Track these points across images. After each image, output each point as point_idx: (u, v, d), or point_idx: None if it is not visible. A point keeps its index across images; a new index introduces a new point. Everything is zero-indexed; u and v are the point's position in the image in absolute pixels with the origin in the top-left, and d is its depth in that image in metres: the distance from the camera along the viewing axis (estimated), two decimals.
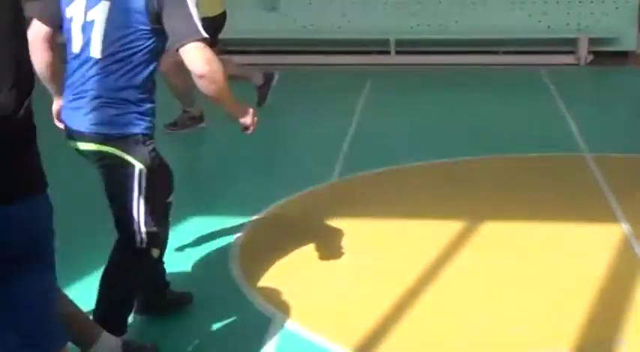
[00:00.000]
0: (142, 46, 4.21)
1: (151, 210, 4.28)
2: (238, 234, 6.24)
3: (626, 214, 6.25)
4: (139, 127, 4.23)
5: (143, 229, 4.26)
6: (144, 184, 4.23)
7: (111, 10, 4.18)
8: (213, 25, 8.45)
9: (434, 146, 8.28)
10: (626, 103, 10.68)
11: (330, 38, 11.97)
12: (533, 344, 4.60)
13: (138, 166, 4.20)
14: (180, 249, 6.03)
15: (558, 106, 9.60)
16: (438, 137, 8.69)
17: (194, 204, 6.71)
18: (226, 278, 5.58)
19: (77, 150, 4.42)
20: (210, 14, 8.47)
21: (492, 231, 6.15)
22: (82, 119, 4.27)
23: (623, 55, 12.09)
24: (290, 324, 4.90)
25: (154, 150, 4.26)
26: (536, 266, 5.56)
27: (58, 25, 4.44)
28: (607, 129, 8.88)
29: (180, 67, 7.35)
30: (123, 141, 4.25)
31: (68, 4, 4.33)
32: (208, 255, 5.94)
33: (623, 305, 5.02)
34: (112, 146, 4.27)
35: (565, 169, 7.56)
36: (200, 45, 4.07)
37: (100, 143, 4.28)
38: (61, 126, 4.59)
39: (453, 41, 11.95)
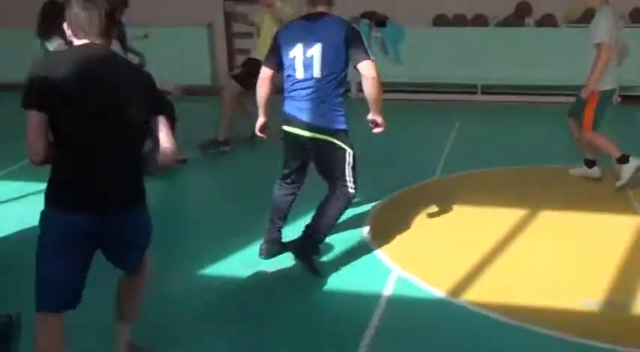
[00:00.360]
0: (342, 67, 5.13)
1: (355, 177, 5.22)
2: (369, 212, 6.46)
3: None
4: (344, 125, 5.22)
5: (353, 186, 5.22)
6: (352, 162, 5.19)
7: (323, 48, 5.05)
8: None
9: (509, 156, 8.35)
10: None
11: (433, 82, 12.01)
12: (582, 294, 4.79)
13: (348, 151, 5.18)
14: None
15: None
16: (511, 149, 8.75)
17: None
18: (361, 240, 5.87)
19: (292, 134, 5.28)
20: None
21: (552, 217, 6.32)
22: (313, 116, 5.15)
23: None
24: (403, 273, 5.18)
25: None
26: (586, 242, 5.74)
27: (278, 68, 5.30)
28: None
29: (239, 98, 8.62)
30: (336, 133, 5.17)
31: (290, 49, 5.17)
32: (348, 226, 6.05)
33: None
34: (329, 135, 5.16)
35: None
36: (371, 62, 5.03)
37: (319, 132, 5.16)
38: (261, 135, 5.54)
39: (525, 86, 11.87)
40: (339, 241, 5.82)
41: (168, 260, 5.37)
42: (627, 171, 6.88)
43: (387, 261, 5.48)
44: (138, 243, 3.78)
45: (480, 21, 12.40)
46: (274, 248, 5.58)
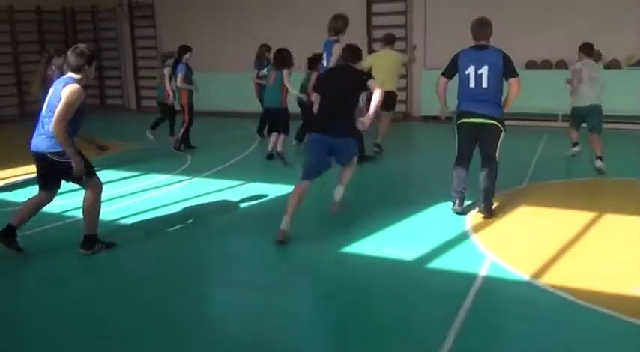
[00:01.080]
0: (500, 81, 5.94)
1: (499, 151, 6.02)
2: (471, 209, 6.31)
3: None
4: (502, 114, 6.00)
5: (498, 157, 6.01)
6: (502, 139, 5.97)
7: (489, 69, 5.87)
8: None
9: (584, 170, 7.99)
10: None
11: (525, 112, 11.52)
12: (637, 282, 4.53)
13: (503, 132, 5.96)
14: (440, 209, 6.30)
15: None
16: (586, 165, 8.20)
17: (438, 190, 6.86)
18: (462, 231, 5.73)
19: (471, 122, 5.99)
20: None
21: (612, 219, 5.99)
22: (485, 109, 5.92)
23: None
24: (496, 259, 5.00)
25: None
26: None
27: (451, 78, 6.12)
28: None
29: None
30: (499, 120, 5.95)
31: (466, 69, 5.97)
32: (453, 219, 6.06)
33: None
34: (496, 121, 5.93)
35: None
36: (518, 80, 5.95)
37: (491, 119, 5.91)
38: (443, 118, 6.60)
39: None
40: (445, 231, 5.73)
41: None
42: None
43: (483, 248, 5.30)
44: (347, 152, 5.64)
45: (561, 65, 11.90)
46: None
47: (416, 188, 7.78)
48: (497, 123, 5.94)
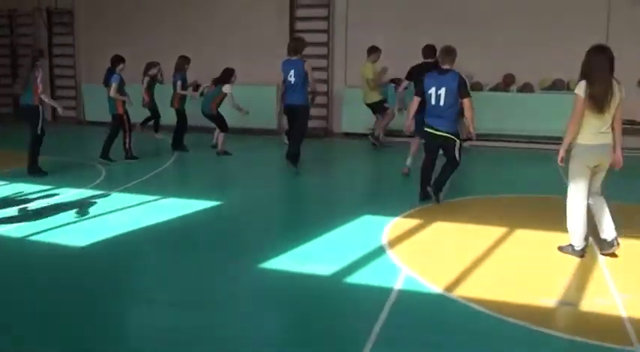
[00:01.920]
0: (456, 100, 7.06)
1: (460, 154, 7.20)
2: (387, 224, 6.42)
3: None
4: (456, 128, 7.22)
5: (459, 158, 7.17)
6: (459, 146, 7.18)
7: (447, 90, 7.05)
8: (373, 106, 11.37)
9: (499, 187, 8.16)
10: None
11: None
12: (544, 293, 4.69)
13: (458, 142, 7.14)
14: (358, 225, 6.38)
15: None
16: (499, 182, 8.49)
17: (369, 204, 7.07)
18: (378, 245, 5.79)
19: (435, 135, 7.21)
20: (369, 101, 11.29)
21: (523, 234, 6.19)
22: (443, 125, 7.13)
23: None
24: (411, 273, 5.09)
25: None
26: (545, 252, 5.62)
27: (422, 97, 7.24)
28: None
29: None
30: (455, 134, 7.17)
31: (429, 88, 7.13)
32: (369, 234, 6.12)
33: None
34: (452, 135, 7.15)
35: None
36: (470, 100, 7.09)
37: (448, 133, 7.15)
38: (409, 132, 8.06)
39: (507, 135, 12.01)
40: (362, 246, 5.79)
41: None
42: None
43: (399, 262, 5.41)
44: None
45: (476, 87, 12.27)
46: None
47: (335, 203, 7.87)
48: (452, 136, 7.16)
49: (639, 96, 11.59)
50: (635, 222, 6.79)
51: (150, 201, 7.47)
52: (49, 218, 6.70)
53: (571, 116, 5.28)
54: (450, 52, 7.22)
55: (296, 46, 9.12)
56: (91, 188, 8.13)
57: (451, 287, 4.83)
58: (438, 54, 7.48)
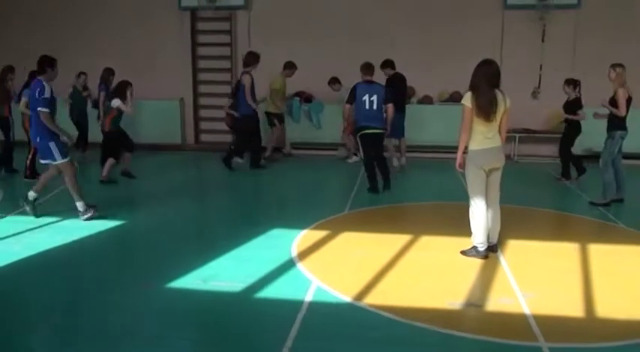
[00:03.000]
0: (382, 106, 8.62)
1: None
2: (296, 237, 6.46)
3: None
4: (384, 125, 8.71)
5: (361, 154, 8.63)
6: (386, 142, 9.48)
7: (377, 97, 8.57)
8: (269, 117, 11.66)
9: (399, 196, 8.43)
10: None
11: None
12: (450, 296, 4.86)
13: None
14: (266, 239, 6.36)
15: None
16: (403, 190, 8.79)
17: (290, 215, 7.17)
18: (288, 258, 5.80)
19: (370, 133, 8.60)
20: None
21: (427, 240, 6.36)
22: (376, 123, 8.58)
23: None
24: (321, 284, 5.14)
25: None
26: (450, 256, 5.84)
27: (352, 104, 8.68)
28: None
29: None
30: (383, 129, 8.71)
31: (362, 96, 8.59)
32: (279, 247, 6.13)
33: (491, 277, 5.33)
34: (383, 130, 8.67)
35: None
36: (392, 105, 8.78)
37: (381, 129, 8.65)
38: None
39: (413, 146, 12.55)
40: (272, 260, 5.78)
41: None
42: None
43: (308, 274, 5.44)
44: None
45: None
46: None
47: (241, 218, 7.81)
48: (383, 131, 8.66)
49: (533, 107, 12.33)
50: (531, 224, 7.15)
51: (49, 224, 7.14)
52: None
53: (461, 125, 5.67)
54: (370, 66, 8.91)
55: (247, 60, 10.49)
56: None
57: (361, 295, 4.89)
58: (360, 68, 8.92)
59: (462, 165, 5.81)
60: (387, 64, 10.56)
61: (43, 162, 7.20)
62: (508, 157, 12.07)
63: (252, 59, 10.45)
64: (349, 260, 5.89)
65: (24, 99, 9.07)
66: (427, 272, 5.54)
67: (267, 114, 11.73)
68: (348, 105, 8.77)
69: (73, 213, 7.40)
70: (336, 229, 6.81)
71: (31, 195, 7.33)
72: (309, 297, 4.87)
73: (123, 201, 8.38)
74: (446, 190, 9.17)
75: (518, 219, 7.24)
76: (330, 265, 5.73)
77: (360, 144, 8.76)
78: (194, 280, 5.30)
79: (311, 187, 9.55)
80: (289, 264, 5.68)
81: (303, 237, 6.55)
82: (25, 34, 13.94)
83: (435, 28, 12.66)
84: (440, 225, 6.93)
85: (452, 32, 12.57)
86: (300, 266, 5.64)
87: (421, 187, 9.60)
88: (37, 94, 6.85)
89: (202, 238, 6.85)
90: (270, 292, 5.02)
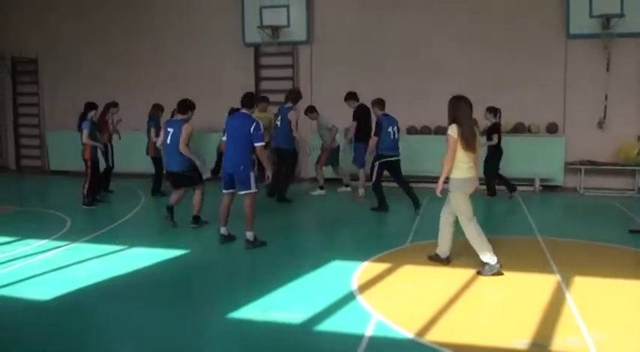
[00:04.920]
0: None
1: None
2: (357, 269, 6.36)
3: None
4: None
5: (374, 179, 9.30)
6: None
7: (397, 128, 9.53)
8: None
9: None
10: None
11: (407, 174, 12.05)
12: (515, 335, 4.67)
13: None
14: (326, 271, 6.32)
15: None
16: None
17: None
18: (348, 291, 5.70)
19: (394, 160, 9.39)
20: None
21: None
22: (397, 151, 9.59)
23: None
24: (382, 318, 5.01)
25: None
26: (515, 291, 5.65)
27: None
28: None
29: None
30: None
31: (388, 127, 9.34)
32: (339, 279, 6.06)
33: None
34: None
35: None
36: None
37: (398, 156, 9.48)
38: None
39: None
40: (332, 291, 5.70)
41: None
42: None
43: (369, 307, 5.31)
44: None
45: (440, 131, 12.38)
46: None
47: (301, 249, 7.78)
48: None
49: (598, 138, 11.94)
50: (598, 260, 6.84)
51: (115, 252, 7.28)
52: (10, 270, 6.47)
53: (447, 154, 6.13)
54: (382, 101, 9.70)
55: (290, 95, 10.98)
56: (55, 239, 7.90)
57: (423, 331, 4.74)
58: (376, 103, 9.74)
59: (440, 191, 6.32)
60: (352, 96, 10.95)
61: (241, 192, 7.36)
62: (574, 190, 11.82)
63: (296, 95, 10.90)
64: (411, 293, 5.76)
65: (85, 132, 10.04)
66: (491, 308, 5.37)
67: None
68: (376, 138, 9.46)
69: (140, 240, 7.53)
70: (398, 262, 6.68)
71: (223, 230, 7.65)
72: (369, 332, 4.75)
73: (181, 229, 8.48)
74: (507, 223, 8.94)
75: (584, 254, 6.98)
76: (392, 298, 5.61)
77: (377, 170, 9.41)
78: (253, 310, 5.26)
79: (370, 218, 9.43)
80: (350, 297, 5.58)
81: (363, 269, 6.44)
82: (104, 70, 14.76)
83: (496, 59, 12.48)
84: (502, 260, 6.66)
85: (515, 63, 12.36)
86: (361, 299, 5.53)
87: (481, 221, 9.27)
88: (251, 129, 7.20)
89: (261, 267, 6.83)
90: (329, 325, 4.93)
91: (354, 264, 6.57)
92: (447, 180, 6.27)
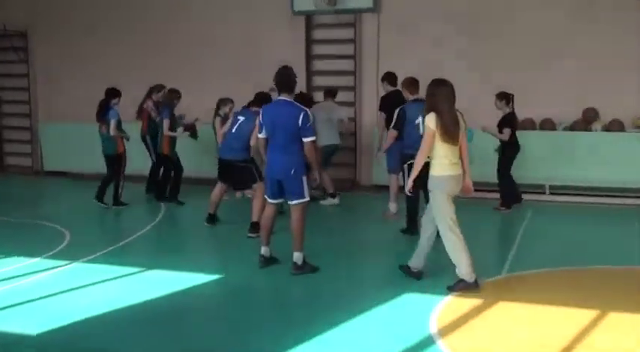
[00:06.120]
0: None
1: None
2: (437, 306, 6.38)
3: None
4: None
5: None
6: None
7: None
8: None
9: (576, 255, 8.26)
10: None
11: None
12: None
13: None
14: (397, 307, 6.34)
15: None
16: (577, 248, 8.66)
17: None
18: (426, 334, 5.72)
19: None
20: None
21: (616, 317, 6.10)
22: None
23: None
24: None
25: None
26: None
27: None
28: None
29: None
30: None
31: (415, 118, 8.71)
32: (416, 318, 6.08)
33: None
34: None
35: None
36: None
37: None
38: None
39: (590, 188, 11.92)
40: (405, 334, 5.73)
41: None
42: None
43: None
44: None
45: (547, 125, 12.40)
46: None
47: (365, 276, 7.82)
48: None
49: None
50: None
51: (127, 275, 7.44)
52: None
53: (421, 148, 6.74)
54: (416, 82, 9.27)
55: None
56: (49, 257, 8.11)
57: None
58: (408, 84, 9.38)
59: (413, 190, 6.99)
60: (387, 77, 10.93)
61: (292, 202, 7.47)
62: None
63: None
64: (509, 340, 5.71)
65: (113, 122, 10.83)
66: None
67: None
68: (395, 132, 9.18)
69: (159, 260, 7.73)
70: (489, 297, 6.66)
71: (265, 250, 7.76)
72: None
73: (211, 245, 8.57)
74: (622, 250, 8.79)
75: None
76: (483, 346, 5.58)
77: (409, 176, 8.27)
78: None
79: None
80: (428, 342, 5.59)
81: (446, 306, 6.44)
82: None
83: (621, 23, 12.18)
84: (626, 299, 6.62)
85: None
86: (442, 344, 5.53)
87: (606, 245, 9.16)
88: (299, 121, 7.34)
89: (312, 300, 6.86)
90: None
91: (433, 299, 6.56)
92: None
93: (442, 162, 6.70)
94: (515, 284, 7.20)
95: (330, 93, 12.06)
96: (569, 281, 7.44)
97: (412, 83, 9.32)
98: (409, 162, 8.42)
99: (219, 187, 9.68)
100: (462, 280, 6.74)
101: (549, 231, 9.88)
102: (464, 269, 6.72)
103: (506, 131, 10.80)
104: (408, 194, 7.15)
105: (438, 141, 6.65)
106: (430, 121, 6.64)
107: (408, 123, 8.89)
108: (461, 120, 6.82)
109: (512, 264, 7.96)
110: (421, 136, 7.89)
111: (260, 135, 7.65)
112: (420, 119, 8.56)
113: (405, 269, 7.22)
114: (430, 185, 6.83)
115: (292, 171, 7.37)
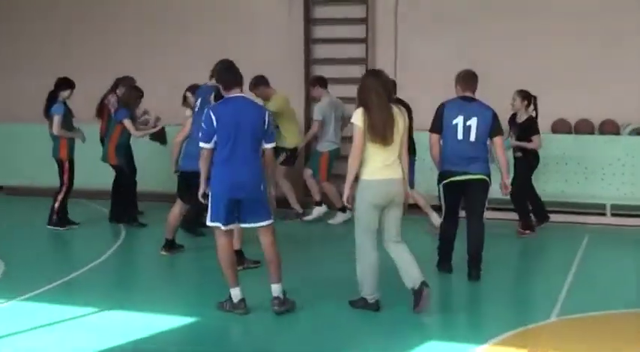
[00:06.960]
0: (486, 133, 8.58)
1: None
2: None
3: None
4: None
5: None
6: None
7: (478, 122, 8.46)
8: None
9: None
10: None
11: (553, 200, 11.73)
12: None
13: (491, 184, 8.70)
14: None
15: None
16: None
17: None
18: None
19: (460, 181, 8.54)
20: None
21: None
22: (473, 164, 8.48)
23: None
24: None
25: None
26: None
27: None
28: None
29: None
30: (489, 176, 8.60)
31: (454, 118, 8.49)
32: None
33: None
34: (487, 176, 8.56)
35: None
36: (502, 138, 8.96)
37: (482, 175, 8.53)
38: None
39: None
40: None
41: None
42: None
43: None
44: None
45: (608, 128, 12.29)
46: None
47: (378, 317, 7.58)
48: (483, 178, 8.63)
49: None
50: None
51: (77, 317, 7.33)
52: None
53: (352, 150, 7.13)
54: (473, 76, 8.94)
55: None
56: None
57: None
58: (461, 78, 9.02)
59: (350, 200, 7.27)
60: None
61: (260, 225, 7.39)
62: None
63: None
64: None
65: (56, 118, 10.76)
66: None
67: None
68: (436, 136, 8.75)
69: (117, 298, 7.71)
70: (537, 346, 6.67)
71: (278, 289, 7.48)
72: None
73: (183, 282, 8.44)
74: None
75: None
76: None
77: (443, 197, 8.83)
78: None
79: (505, 273, 9.42)
80: None
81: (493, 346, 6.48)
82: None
83: None
84: None
85: None
86: None
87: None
88: (265, 124, 7.34)
89: (319, 346, 6.79)
90: None
91: (465, 349, 6.53)
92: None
93: (372, 164, 7.09)
94: (566, 330, 7.18)
95: (324, 83, 12.19)
96: (624, 328, 7.40)
97: (467, 77, 8.80)
98: (444, 182, 8.69)
99: (178, 206, 9.49)
100: (363, 298, 7.33)
101: (611, 263, 9.86)
102: (366, 288, 7.29)
103: (536, 138, 10.87)
104: (347, 205, 7.46)
105: (368, 140, 7.01)
106: (356, 118, 7.04)
107: (446, 128, 8.52)
108: (399, 117, 7.11)
109: (565, 304, 7.85)
110: (459, 145, 8.54)
111: (206, 145, 7.22)
112: (459, 119, 8.43)
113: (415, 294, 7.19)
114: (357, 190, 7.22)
115: (262, 187, 7.27)
